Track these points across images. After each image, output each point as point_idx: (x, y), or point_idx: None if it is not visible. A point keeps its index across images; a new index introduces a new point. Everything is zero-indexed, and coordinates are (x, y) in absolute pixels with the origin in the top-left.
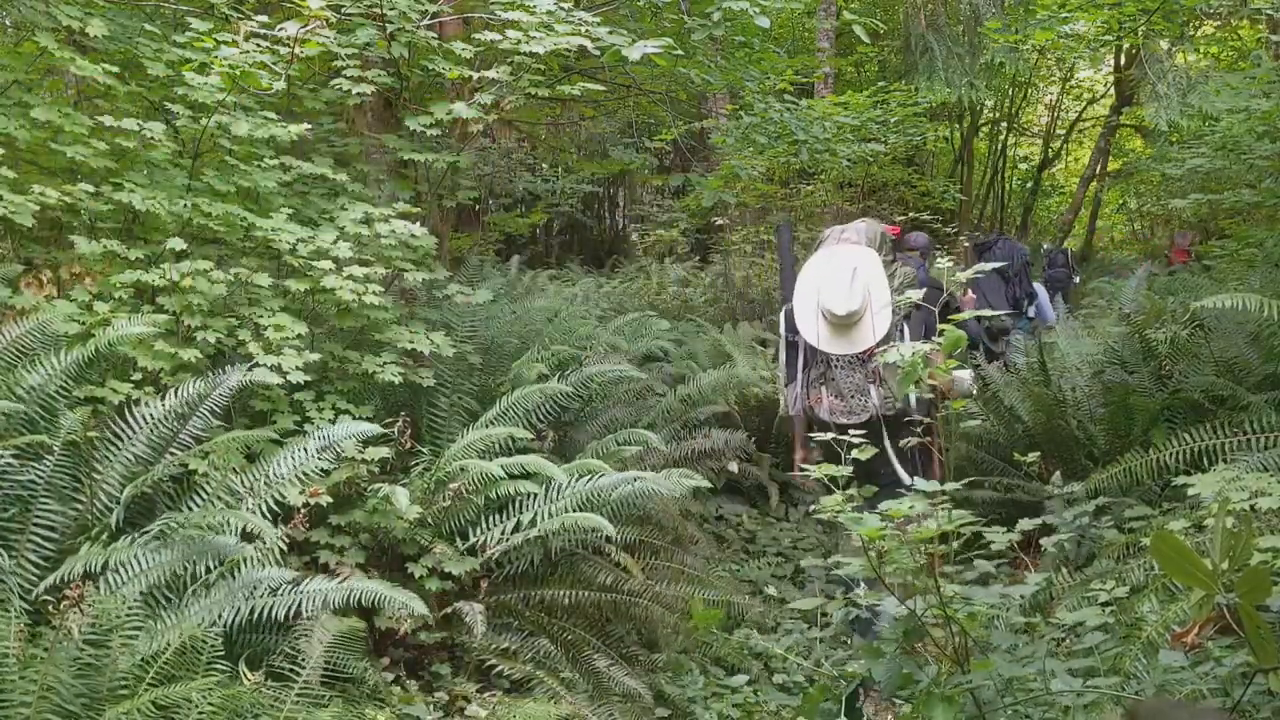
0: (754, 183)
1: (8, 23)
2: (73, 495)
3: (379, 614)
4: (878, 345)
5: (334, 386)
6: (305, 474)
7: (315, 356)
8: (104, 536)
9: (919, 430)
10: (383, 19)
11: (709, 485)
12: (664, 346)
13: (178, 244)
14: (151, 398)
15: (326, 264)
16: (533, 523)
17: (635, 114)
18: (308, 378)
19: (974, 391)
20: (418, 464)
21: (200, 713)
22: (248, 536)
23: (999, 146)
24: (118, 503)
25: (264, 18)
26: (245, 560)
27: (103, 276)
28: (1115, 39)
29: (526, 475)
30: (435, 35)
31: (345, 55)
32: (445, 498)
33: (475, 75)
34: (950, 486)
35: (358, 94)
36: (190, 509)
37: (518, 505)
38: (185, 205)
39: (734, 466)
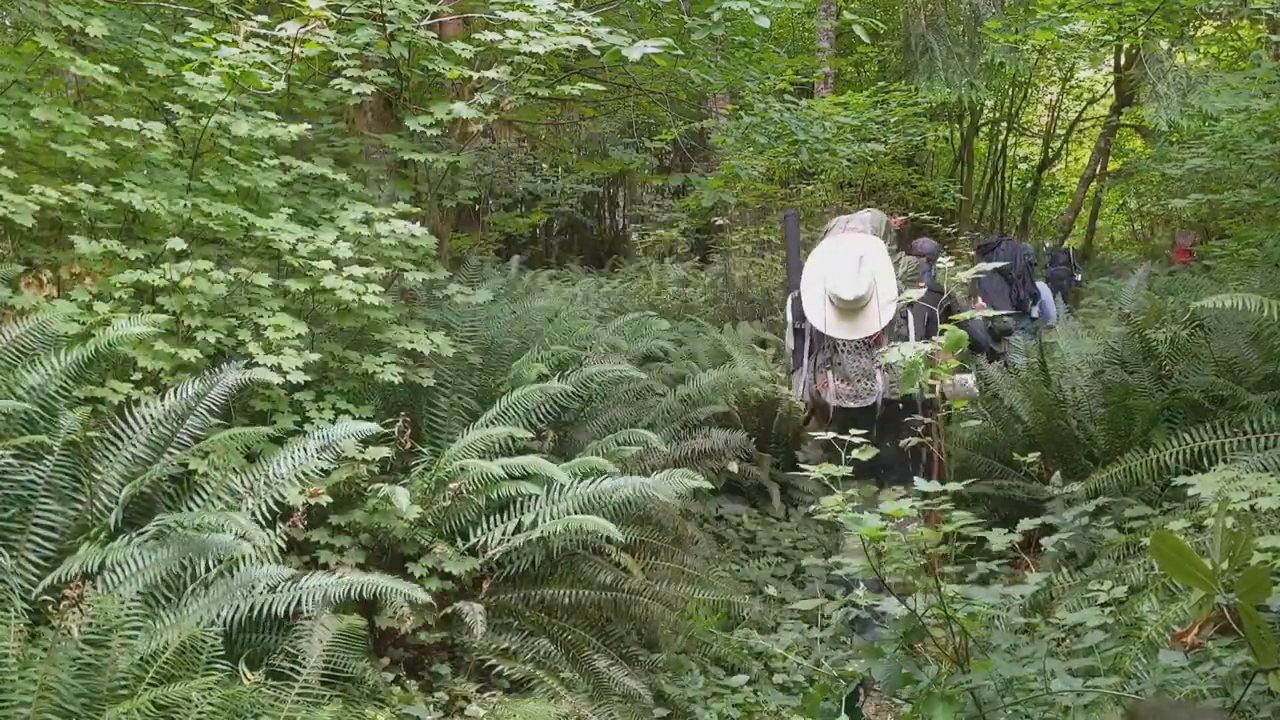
0: (754, 183)
1: (8, 23)
2: (73, 495)
3: (379, 613)
4: (883, 330)
5: (334, 386)
6: (305, 474)
7: (315, 356)
8: (102, 536)
9: (919, 430)
10: (383, 19)
11: (709, 485)
12: (664, 346)
13: (178, 244)
14: (151, 398)
15: (326, 264)
16: (534, 524)
17: (635, 114)
18: (308, 378)
19: (976, 394)
20: (418, 464)
21: (200, 712)
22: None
23: (999, 146)
24: (117, 503)
25: (264, 18)
26: (244, 558)
27: (103, 276)
28: (1115, 39)
29: (527, 476)
30: (435, 35)
31: (345, 55)
32: (445, 498)
33: (475, 75)
34: (951, 486)
35: (358, 94)
36: (190, 509)
37: (519, 506)
38: (185, 205)
39: (734, 466)
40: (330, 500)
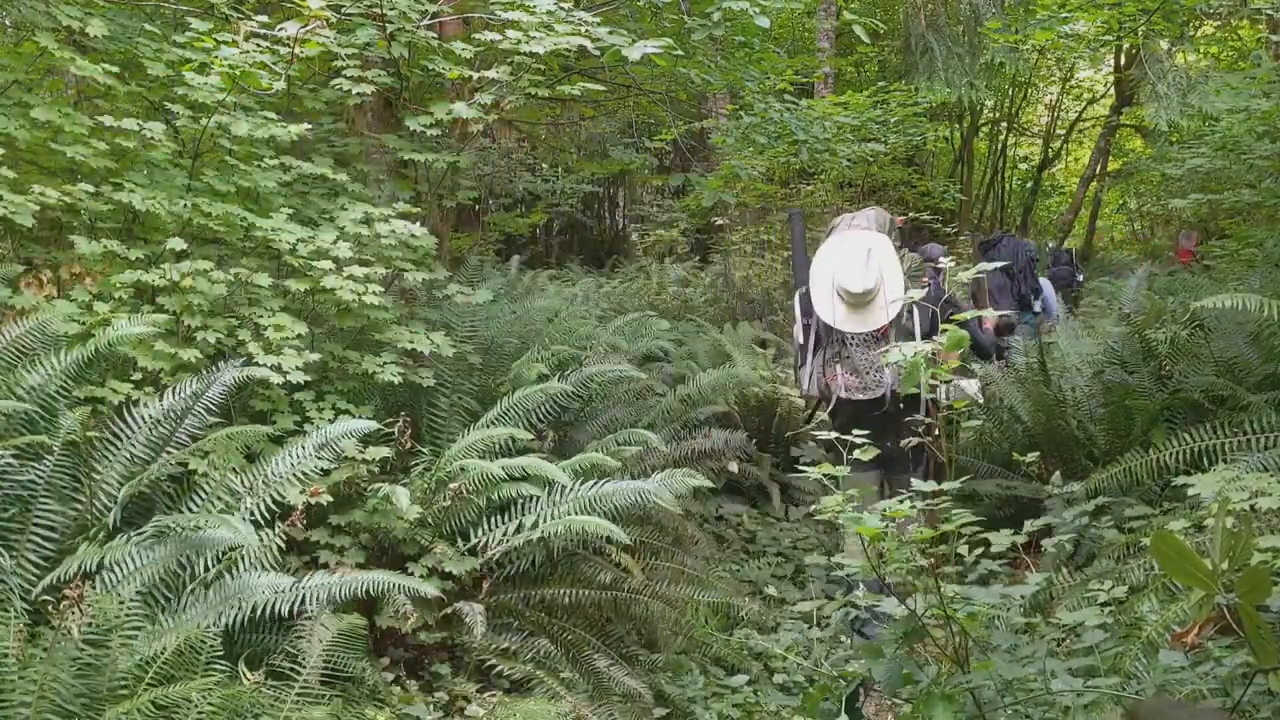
0: (754, 183)
1: (8, 23)
2: (72, 495)
3: (380, 613)
4: (891, 323)
5: (334, 386)
6: (304, 473)
7: (315, 356)
8: (101, 536)
9: (920, 430)
10: (383, 19)
11: (710, 484)
12: (664, 346)
13: (178, 244)
14: (151, 398)
15: (326, 264)
16: (535, 525)
17: (635, 114)
18: (308, 378)
19: (981, 401)
20: (418, 464)
21: (200, 712)
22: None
23: (999, 146)
24: (116, 502)
25: (264, 18)
26: (244, 558)
27: (103, 276)
28: (1115, 39)
29: (527, 476)
30: (435, 35)
31: (345, 55)
32: (445, 498)
33: (475, 75)
34: (951, 486)
35: (358, 94)
36: (189, 509)
37: (519, 507)
38: (185, 205)
39: (734, 466)
40: (330, 500)
